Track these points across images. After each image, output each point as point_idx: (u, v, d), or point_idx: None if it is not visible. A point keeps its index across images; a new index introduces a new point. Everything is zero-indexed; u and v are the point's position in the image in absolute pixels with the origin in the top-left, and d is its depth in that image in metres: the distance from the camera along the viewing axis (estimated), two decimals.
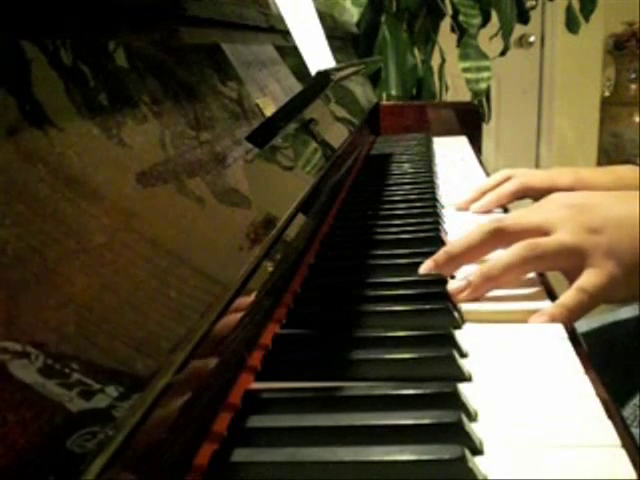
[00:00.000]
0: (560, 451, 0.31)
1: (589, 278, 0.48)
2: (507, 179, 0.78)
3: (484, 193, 0.77)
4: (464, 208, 0.77)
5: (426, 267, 0.52)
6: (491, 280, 0.49)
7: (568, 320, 0.45)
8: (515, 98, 2.92)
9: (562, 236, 0.50)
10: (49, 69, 0.29)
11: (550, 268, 0.51)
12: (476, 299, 0.49)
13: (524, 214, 0.54)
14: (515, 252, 0.49)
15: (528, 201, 0.77)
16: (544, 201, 0.56)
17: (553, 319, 0.45)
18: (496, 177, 0.80)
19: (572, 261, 0.49)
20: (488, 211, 0.75)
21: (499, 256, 0.50)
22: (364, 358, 0.40)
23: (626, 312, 0.81)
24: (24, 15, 0.29)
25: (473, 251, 0.52)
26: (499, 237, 0.52)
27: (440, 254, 0.52)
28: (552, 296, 0.50)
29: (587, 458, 0.31)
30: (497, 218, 0.54)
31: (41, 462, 0.19)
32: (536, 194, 0.78)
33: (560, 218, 0.51)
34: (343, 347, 0.41)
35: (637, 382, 0.67)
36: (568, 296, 0.47)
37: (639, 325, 0.78)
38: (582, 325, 0.80)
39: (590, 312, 0.48)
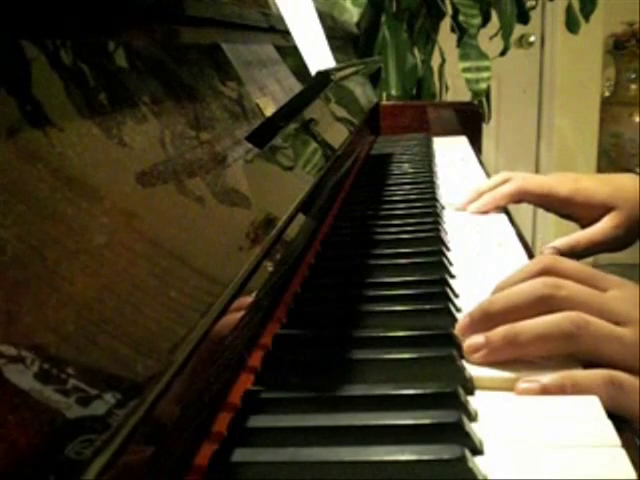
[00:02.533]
0: (560, 451, 0.31)
1: (633, 379, 0.38)
2: (506, 181, 0.78)
3: (482, 194, 0.77)
4: (462, 209, 0.77)
5: (461, 326, 0.43)
6: (516, 347, 0.40)
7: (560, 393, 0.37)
8: (515, 98, 2.92)
9: (628, 335, 0.40)
10: (49, 69, 0.29)
11: (595, 355, 0.40)
12: (493, 364, 0.40)
13: (595, 291, 0.43)
14: (557, 322, 0.40)
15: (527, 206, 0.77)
16: (618, 283, 0.44)
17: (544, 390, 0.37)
18: (495, 179, 0.80)
19: (629, 357, 0.40)
20: (485, 212, 0.76)
21: (535, 320, 0.41)
22: (364, 358, 0.40)
23: None
24: (24, 15, 0.29)
25: (515, 313, 0.42)
26: (550, 305, 0.41)
27: (476, 310, 0.43)
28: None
29: (587, 458, 0.31)
30: (555, 281, 0.43)
31: (41, 460, 0.19)
32: (533, 199, 0.79)
33: (630, 314, 0.41)
34: (343, 347, 0.41)
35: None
36: (589, 375, 0.38)
37: None
38: None
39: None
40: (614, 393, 0.37)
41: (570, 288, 0.42)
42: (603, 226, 0.76)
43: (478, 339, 0.41)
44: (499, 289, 0.45)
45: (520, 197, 0.77)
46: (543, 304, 0.41)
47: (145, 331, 0.26)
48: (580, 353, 0.40)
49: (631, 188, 0.76)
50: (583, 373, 0.38)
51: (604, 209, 0.76)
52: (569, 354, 0.40)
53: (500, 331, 0.40)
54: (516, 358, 0.40)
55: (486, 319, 0.42)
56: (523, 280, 0.44)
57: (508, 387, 0.38)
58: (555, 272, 0.44)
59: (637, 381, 0.38)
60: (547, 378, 0.37)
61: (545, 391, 0.37)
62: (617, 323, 0.41)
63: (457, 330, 0.43)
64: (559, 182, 0.78)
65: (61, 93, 0.30)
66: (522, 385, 0.37)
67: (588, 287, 0.43)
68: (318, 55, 0.87)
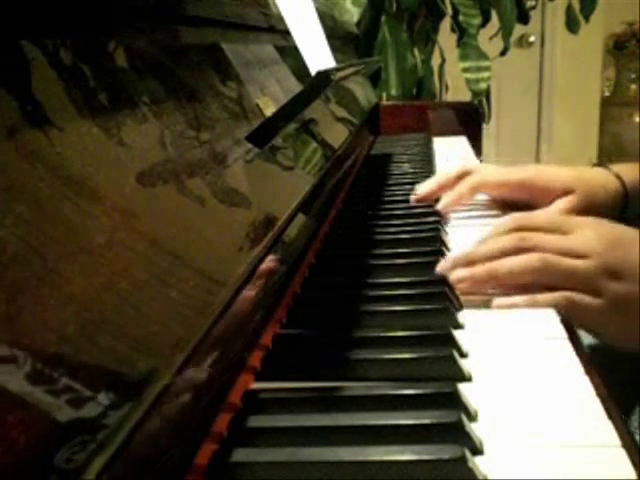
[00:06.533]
0: (560, 451, 0.31)
1: (586, 298, 0.48)
2: (465, 174, 0.76)
3: (442, 187, 0.75)
4: (420, 199, 0.75)
5: (443, 266, 0.52)
6: (495, 279, 0.50)
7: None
8: (515, 98, 2.93)
9: (582, 266, 0.49)
10: (49, 69, 0.29)
11: (557, 283, 0.50)
12: (473, 292, 0.50)
13: (558, 236, 0.52)
14: (530, 261, 0.49)
15: None
16: (582, 224, 0.52)
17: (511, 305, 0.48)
18: (458, 170, 0.77)
19: (582, 282, 0.49)
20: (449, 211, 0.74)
21: (511, 258, 0.50)
22: (364, 358, 0.40)
23: None
24: (24, 15, 0.29)
25: (493, 260, 0.51)
26: (524, 252, 0.51)
27: (460, 257, 0.52)
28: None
29: (587, 458, 0.31)
30: (525, 234, 0.52)
31: (42, 459, 0.19)
32: (490, 190, 0.76)
33: (591, 248, 0.50)
34: (343, 347, 0.41)
35: None
36: (551, 295, 0.48)
37: None
38: (586, 337, 0.79)
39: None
40: (568, 307, 0.48)
41: (537, 239, 0.51)
42: (554, 209, 0.71)
43: (464, 272, 0.50)
44: (480, 244, 0.53)
45: (479, 191, 0.75)
46: (516, 254, 0.50)
47: (146, 331, 0.26)
48: (545, 283, 0.49)
49: (592, 176, 0.73)
50: (544, 294, 0.49)
51: (563, 194, 0.71)
52: (537, 285, 0.49)
53: (483, 267, 0.50)
54: (493, 288, 0.50)
55: (469, 264, 0.51)
56: (499, 236, 0.52)
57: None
58: (526, 227, 0.53)
59: (587, 298, 0.48)
60: (516, 298, 0.48)
61: (514, 305, 0.48)
62: (578, 257, 0.49)
63: (439, 268, 0.52)
64: (519, 169, 0.75)
65: (61, 93, 0.30)
66: (497, 301, 0.48)
67: (554, 234, 0.52)
68: (318, 55, 0.87)
